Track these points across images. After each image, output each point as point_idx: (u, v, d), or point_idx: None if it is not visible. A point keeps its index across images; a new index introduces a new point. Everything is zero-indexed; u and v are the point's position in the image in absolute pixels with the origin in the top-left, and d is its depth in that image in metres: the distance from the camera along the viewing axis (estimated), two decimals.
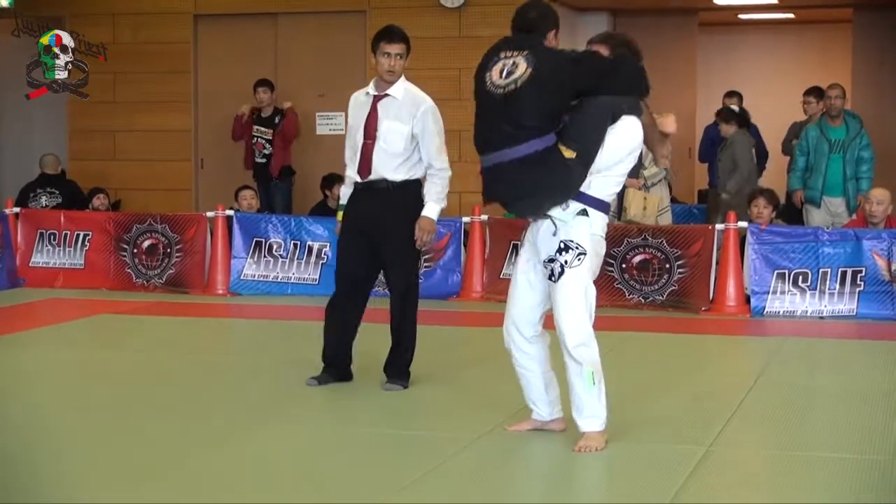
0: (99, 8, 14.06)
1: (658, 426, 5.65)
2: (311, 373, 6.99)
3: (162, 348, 8.56)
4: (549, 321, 5.61)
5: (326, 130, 13.39)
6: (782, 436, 6.02)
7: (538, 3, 5.75)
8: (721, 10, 15.64)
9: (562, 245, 5.45)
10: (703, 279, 10.10)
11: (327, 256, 10.82)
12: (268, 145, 12.73)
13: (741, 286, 10.03)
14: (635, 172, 10.30)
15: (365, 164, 6.83)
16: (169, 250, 11.32)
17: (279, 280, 11.04)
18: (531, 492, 5.14)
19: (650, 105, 5.67)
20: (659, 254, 10.18)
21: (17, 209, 11.96)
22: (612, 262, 10.09)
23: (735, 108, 11.94)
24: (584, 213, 5.45)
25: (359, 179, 6.87)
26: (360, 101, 6.99)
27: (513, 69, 5.49)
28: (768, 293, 9.86)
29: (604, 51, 5.60)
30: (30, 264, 11.71)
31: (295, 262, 11.03)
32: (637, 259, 10.23)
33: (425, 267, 10.76)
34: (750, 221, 10.21)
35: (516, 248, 10.69)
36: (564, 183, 5.40)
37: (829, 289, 9.76)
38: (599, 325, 5.61)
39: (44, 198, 12.85)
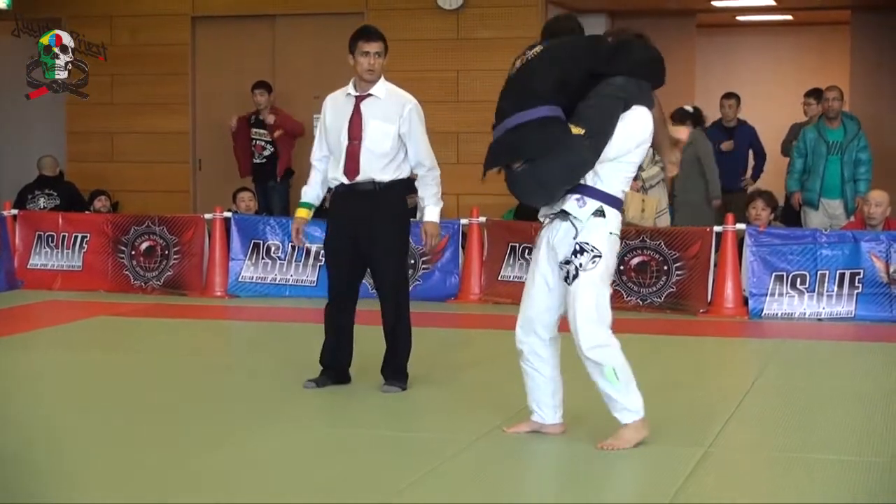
0: (97, 9, 14.05)
1: (656, 428, 5.65)
2: (309, 375, 6.99)
3: (160, 350, 8.56)
4: (563, 324, 5.61)
5: None
6: (780, 438, 6.02)
7: (568, 16, 5.92)
8: (719, 12, 15.64)
9: (577, 247, 5.44)
10: (702, 281, 10.10)
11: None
12: (268, 146, 12.72)
13: (739, 288, 10.04)
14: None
15: (352, 166, 6.78)
16: (167, 252, 11.32)
17: (277, 282, 11.04)
18: (530, 493, 5.14)
19: None
20: (657, 256, 10.19)
21: (15, 211, 11.97)
22: None
23: (689, 108, 11.71)
24: (599, 213, 5.44)
25: (345, 181, 6.80)
26: (339, 102, 6.90)
27: (531, 54, 5.56)
28: (766, 295, 9.87)
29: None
30: (28, 266, 11.71)
31: (293, 263, 11.03)
32: (635, 261, 10.23)
33: (423, 269, 10.77)
34: (748, 223, 10.22)
35: (514, 251, 10.78)
36: (566, 157, 5.32)
37: (827, 291, 9.76)
38: None
39: (42, 199, 12.85)
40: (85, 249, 11.59)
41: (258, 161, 12.79)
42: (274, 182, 12.73)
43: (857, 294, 9.72)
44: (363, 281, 7.07)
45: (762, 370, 7.78)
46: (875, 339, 8.97)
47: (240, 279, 11.09)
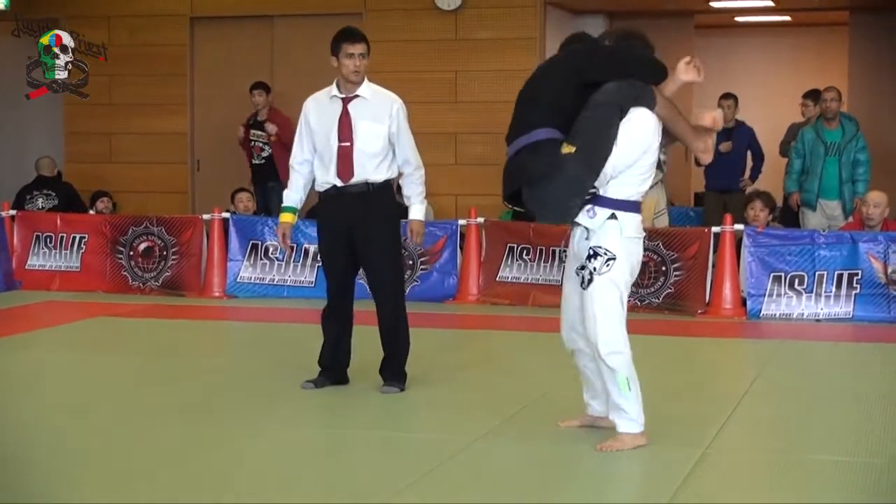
0: (95, 10, 14.05)
1: (654, 429, 5.65)
2: (307, 375, 6.99)
3: (158, 351, 8.56)
4: None
5: None
6: (779, 438, 6.03)
7: (584, 34, 6.01)
8: (717, 13, 15.64)
9: (591, 251, 5.48)
10: (700, 282, 10.10)
11: None
12: (266, 147, 12.72)
13: (737, 289, 10.04)
14: None
15: (346, 168, 6.76)
16: (165, 253, 11.32)
17: (275, 283, 11.04)
18: (529, 493, 5.14)
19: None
20: (655, 256, 10.19)
21: (13, 211, 11.96)
22: None
23: None
24: (612, 217, 5.46)
25: (338, 183, 6.78)
26: (323, 104, 6.87)
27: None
28: (764, 296, 9.87)
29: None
30: (26, 267, 11.70)
31: (291, 264, 11.03)
32: None
33: (421, 269, 10.77)
34: (746, 224, 10.22)
35: (512, 251, 10.78)
36: (561, 177, 5.34)
37: (825, 291, 9.77)
38: None
39: (40, 200, 12.85)
40: (83, 250, 11.59)
41: (257, 162, 12.79)
42: (273, 183, 12.72)
43: (855, 295, 9.73)
44: (361, 282, 7.07)
45: (760, 371, 7.78)
46: (873, 339, 8.97)
47: (238, 280, 11.09)
